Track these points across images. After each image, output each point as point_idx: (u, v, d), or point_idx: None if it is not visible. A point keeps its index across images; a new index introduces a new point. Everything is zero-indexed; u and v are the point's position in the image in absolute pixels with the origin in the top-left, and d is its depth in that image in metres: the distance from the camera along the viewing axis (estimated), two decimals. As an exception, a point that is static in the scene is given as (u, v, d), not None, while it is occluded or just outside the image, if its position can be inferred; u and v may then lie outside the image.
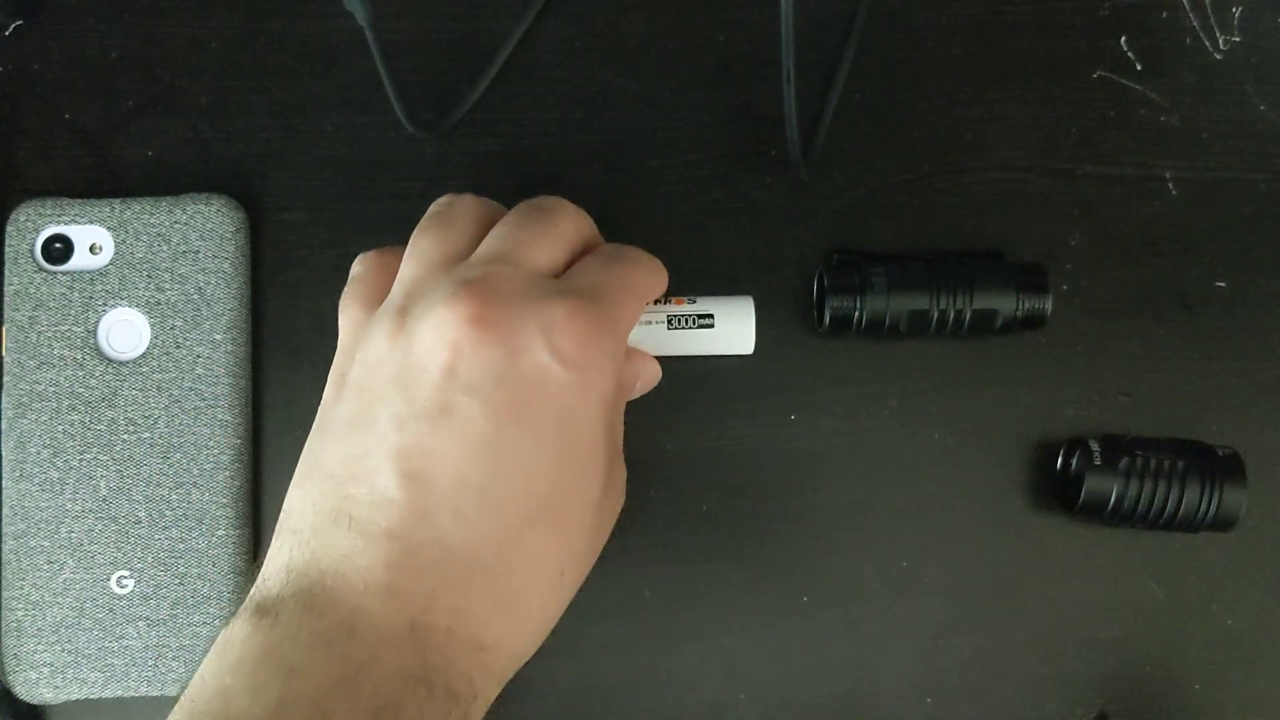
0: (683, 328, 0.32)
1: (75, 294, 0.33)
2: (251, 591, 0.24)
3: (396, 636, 0.22)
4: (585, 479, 0.26)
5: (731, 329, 0.32)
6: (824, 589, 0.34)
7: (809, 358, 0.35)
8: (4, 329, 0.33)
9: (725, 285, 0.35)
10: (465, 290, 0.24)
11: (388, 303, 0.26)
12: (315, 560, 0.23)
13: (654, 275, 0.29)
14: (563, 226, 0.28)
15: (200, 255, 0.33)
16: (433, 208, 0.29)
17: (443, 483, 0.23)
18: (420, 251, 0.27)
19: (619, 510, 0.29)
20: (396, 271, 0.28)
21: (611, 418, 0.27)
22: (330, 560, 0.23)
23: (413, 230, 0.36)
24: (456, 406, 0.24)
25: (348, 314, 0.28)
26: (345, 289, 0.29)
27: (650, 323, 0.32)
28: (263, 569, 0.24)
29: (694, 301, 0.33)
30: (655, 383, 0.31)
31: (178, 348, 0.33)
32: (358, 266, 0.29)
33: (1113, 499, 0.33)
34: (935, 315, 0.33)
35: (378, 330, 0.26)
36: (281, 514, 0.25)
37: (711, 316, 0.32)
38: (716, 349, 0.33)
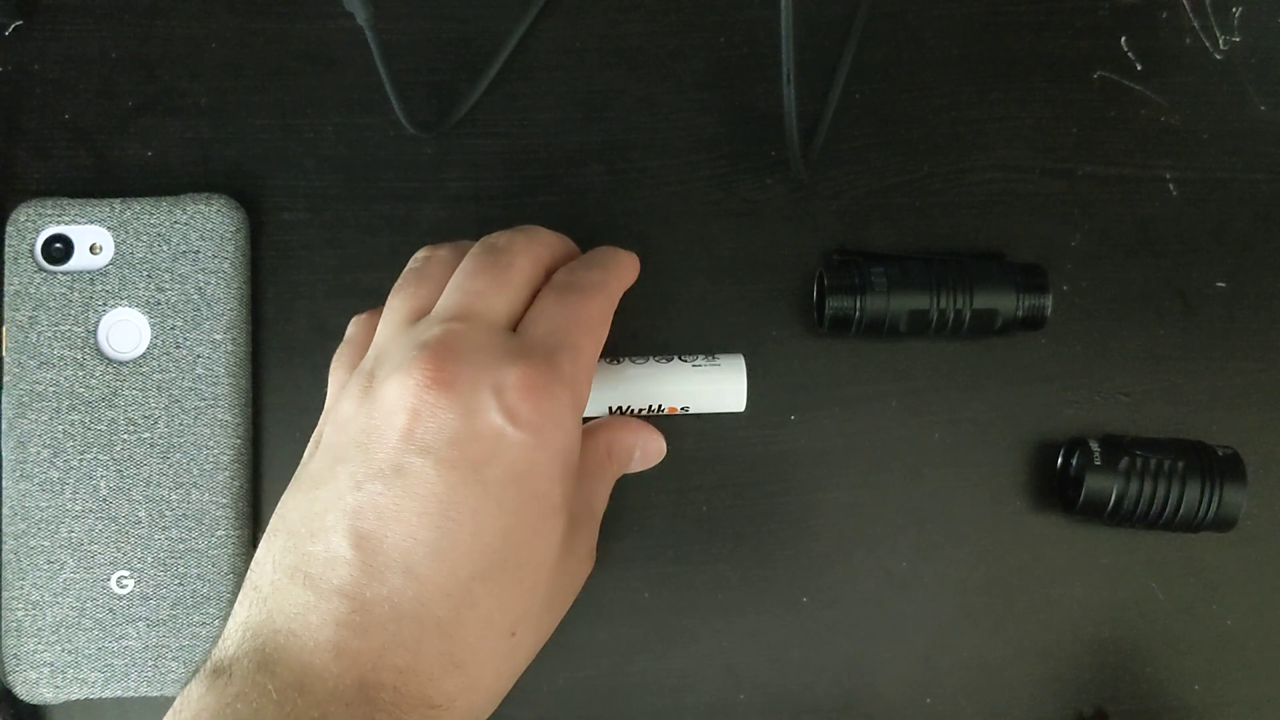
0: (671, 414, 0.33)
1: (75, 294, 0.33)
2: (211, 650, 0.24)
3: (345, 694, 0.22)
4: (541, 538, 0.26)
5: (722, 400, 0.33)
6: (824, 589, 0.34)
7: (809, 358, 0.35)
8: (4, 329, 0.33)
9: (725, 285, 0.35)
10: (422, 354, 0.25)
11: (361, 364, 0.27)
12: (270, 619, 0.24)
13: (609, 296, 0.29)
14: (519, 265, 0.28)
15: (200, 255, 0.33)
16: (410, 264, 0.30)
17: (394, 540, 0.24)
18: (392, 310, 0.28)
19: (584, 574, 0.29)
20: None
21: (573, 477, 0.27)
22: (284, 618, 0.23)
23: (412, 230, 0.36)
24: (410, 467, 0.24)
25: (334, 376, 0.29)
26: (337, 350, 0.30)
27: (642, 412, 0.33)
28: (225, 627, 0.25)
29: (685, 410, 0.33)
30: (658, 457, 0.32)
31: (178, 348, 0.33)
32: (351, 328, 0.31)
33: (1113, 499, 0.33)
34: (935, 315, 0.33)
35: (349, 392, 0.26)
36: (250, 568, 0.26)
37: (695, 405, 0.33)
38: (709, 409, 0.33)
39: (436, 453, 0.24)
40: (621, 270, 0.30)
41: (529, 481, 0.25)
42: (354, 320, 0.31)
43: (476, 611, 0.24)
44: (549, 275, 0.29)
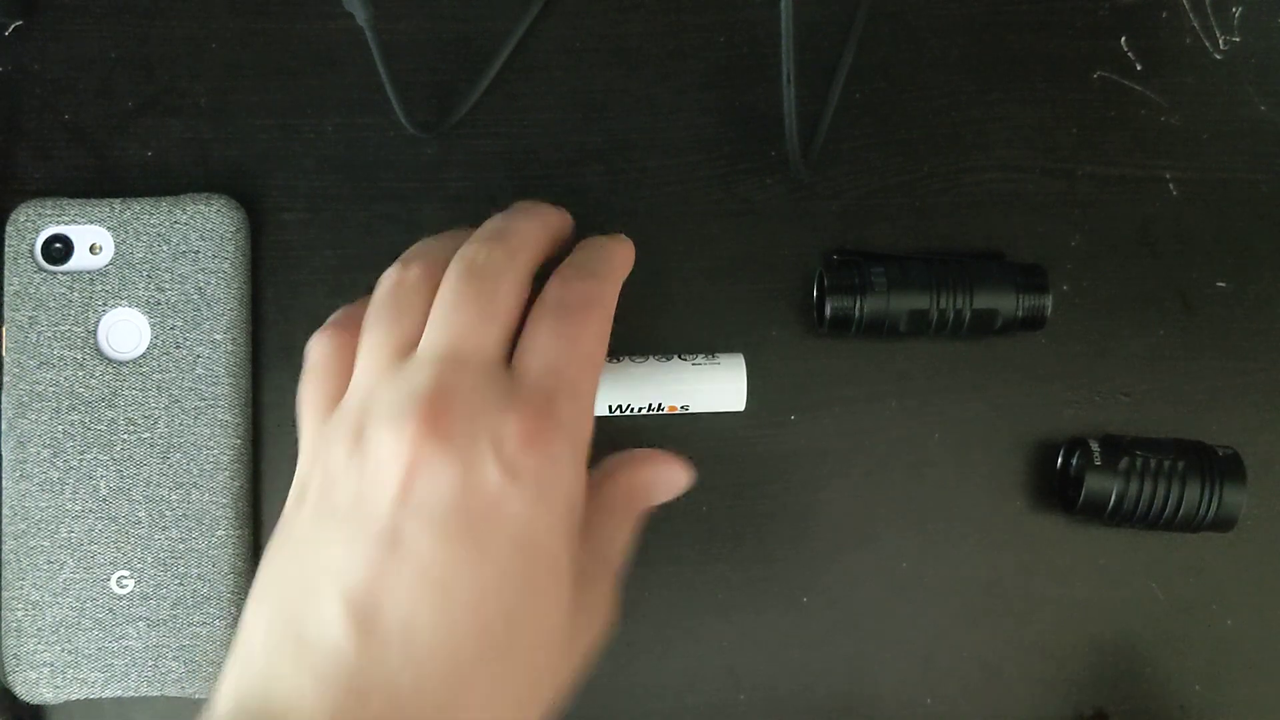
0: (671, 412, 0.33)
1: (75, 294, 0.33)
2: (203, 714, 0.23)
3: None
4: (547, 605, 0.24)
5: (721, 400, 0.33)
6: (824, 589, 0.34)
7: (809, 358, 0.35)
8: (4, 329, 0.33)
9: (725, 285, 0.35)
10: (415, 404, 0.24)
11: (344, 410, 0.26)
12: (262, 693, 0.22)
13: (605, 309, 0.27)
14: (505, 289, 0.26)
15: (200, 255, 0.33)
16: (379, 287, 0.28)
17: (391, 616, 0.22)
18: (372, 349, 0.26)
19: (600, 630, 0.27)
20: (354, 353, 0.27)
21: (577, 531, 0.25)
22: (277, 696, 0.22)
23: (412, 230, 0.36)
24: (407, 534, 0.23)
25: (306, 412, 0.27)
26: (303, 378, 0.28)
27: (638, 411, 0.33)
28: (218, 688, 0.23)
29: (685, 409, 0.33)
30: (680, 489, 0.29)
31: (178, 348, 0.33)
32: (314, 351, 0.28)
33: (1113, 499, 0.33)
34: (935, 315, 0.33)
35: (335, 443, 0.25)
36: (240, 626, 0.24)
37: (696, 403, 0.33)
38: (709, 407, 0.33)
39: (435, 519, 0.23)
40: (616, 270, 0.29)
41: (532, 545, 0.24)
42: (316, 339, 0.28)
43: (479, 693, 0.23)
44: (541, 269, 0.28)
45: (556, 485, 0.24)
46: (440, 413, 0.23)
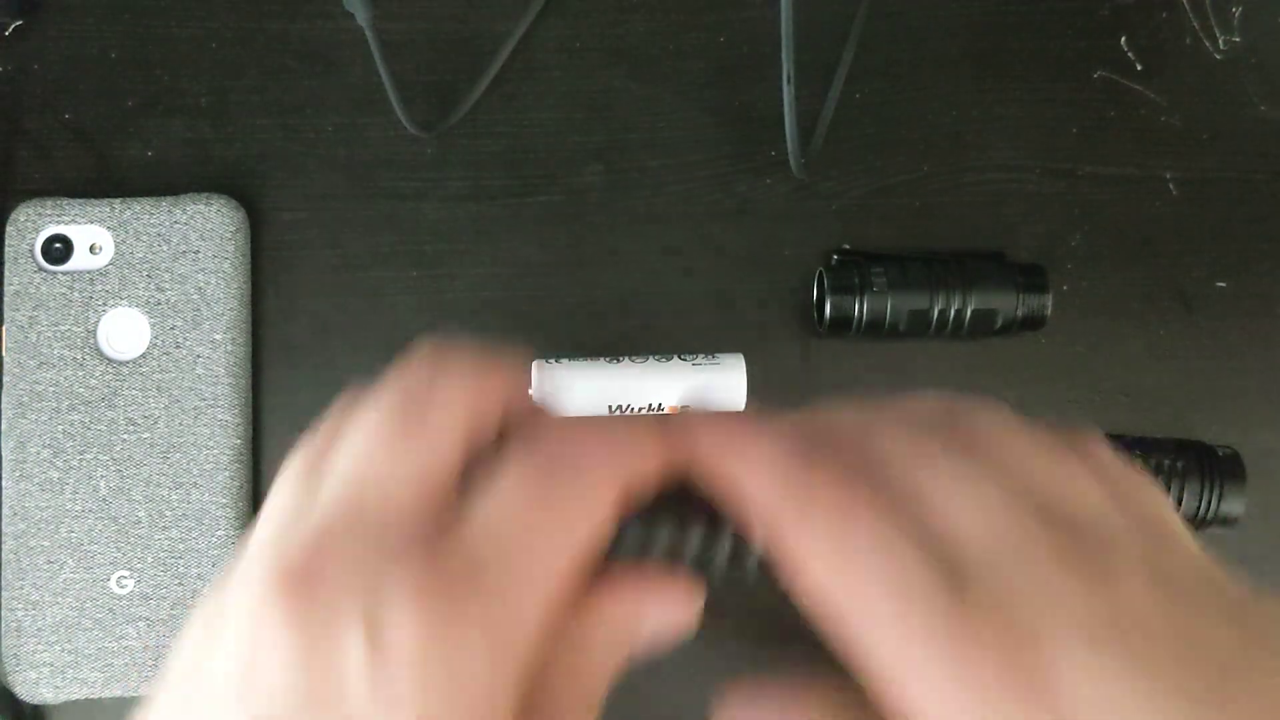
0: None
1: (75, 294, 0.33)
2: None
3: None
4: None
5: (721, 399, 0.33)
6: (824, 589, 0.34)
7: (809, 358, 0.35)
8: (4, 329, 0.33)
9: (726, 285, 0.35)
10: (274, 550, 0.17)
11: (260, 523, 0.20)
12: None
13: (604, 482, 0.18)
14: (448, 407, 0.19)
15: (200, 255, 0.33)
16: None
17: None
18: (289, 464, 0.21)
19: None
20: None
21: None
22: None
23: (412, 230, 0.36)
24: None
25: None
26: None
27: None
28: None
29: (685, 408, 0.33)
30: (683, 631, 0.20)
31: (178, 348, 0.33)
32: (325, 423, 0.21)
33: (1113, 499, 0.33)
34: (935, 315, 0.33)
35: (219, 586, 0.19)
36: None
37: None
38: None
39: (263, 715, 0.16)
40: (633, 451, 0.19)
41: None
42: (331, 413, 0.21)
43: None
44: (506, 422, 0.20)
45: (454, 684, 0.16)
46: (299, 565, 0.17)
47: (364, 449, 0.19)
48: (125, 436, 0.33)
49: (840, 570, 0.17)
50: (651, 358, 0.33)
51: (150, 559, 0.32)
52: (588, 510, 0.18)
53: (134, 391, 0.33)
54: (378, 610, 0.16)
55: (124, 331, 0.33)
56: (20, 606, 0.32)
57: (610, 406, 0.32)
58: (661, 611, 0.20)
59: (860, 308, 0.33)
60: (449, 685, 0.16)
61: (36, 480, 0.32)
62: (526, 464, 0.18)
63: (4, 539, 0.32)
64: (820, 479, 0.18)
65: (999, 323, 0.33)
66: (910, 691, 0.16)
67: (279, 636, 0.16)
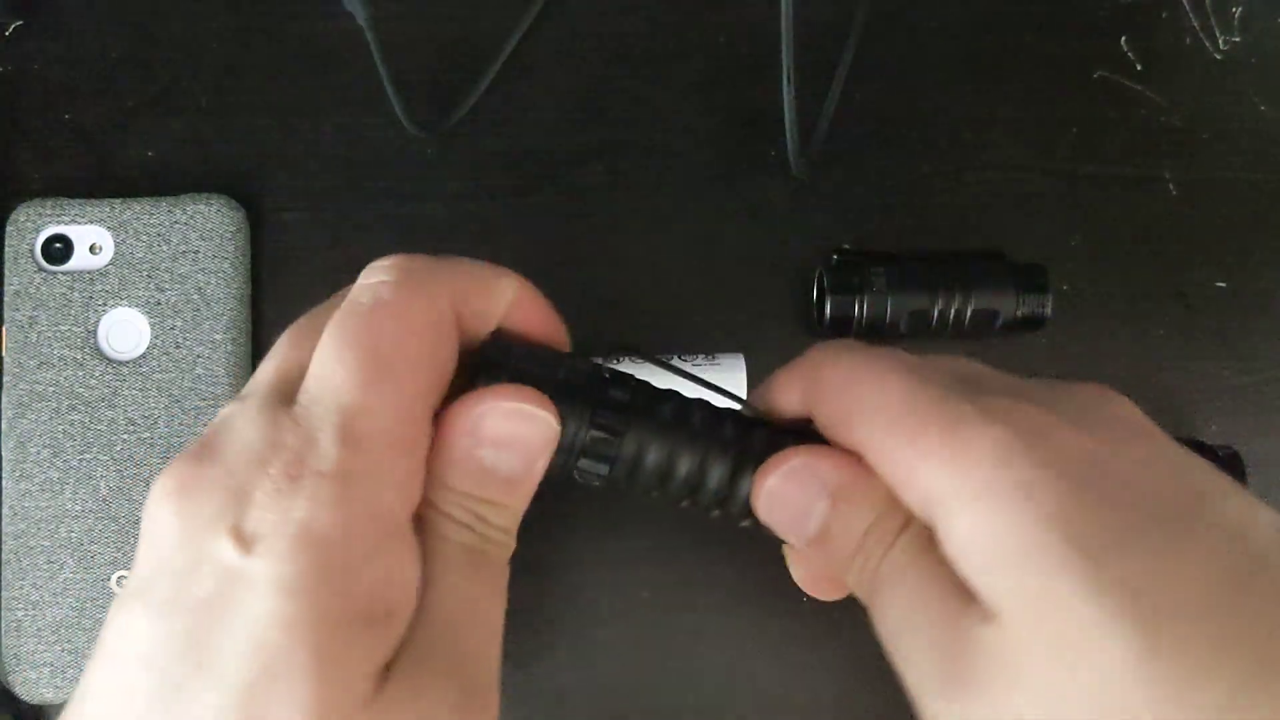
0: None
1: (75, 294, 0.33)
2: None
3: None
4: None
5: (721, 400, 0.33)
6: (824, 589, 0.34)
7: (809, 358, 0.35)
8: (4, 329, 0.33)
9: (726, 285, 0.35)
10: (173, 462, 0.19)
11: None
12: None
13: (400, 319, 0.19)
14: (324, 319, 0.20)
15: (200, 255, 0.33)
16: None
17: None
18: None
19: None
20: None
21: (376, 616, 0.17)
22: None
23: (412, 230, 0.36)
24: (117, 621, 0.18)
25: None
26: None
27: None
28: None
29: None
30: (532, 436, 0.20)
31: (178, 348, 0.33)
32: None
33: (1113, 499, 0.33)
34: (935, 315, 0.33)
35: None
36: None
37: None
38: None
39: (144, 595, 0.17)
40: (437, 277, 0.20)
41: (272, 659, 0.16)
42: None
43: None
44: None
45: (310, 549, 0.17)
46: (185, 466, 0.18)
47: (272, 354, 0.20)
48: (125, 436, 0.33)
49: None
50: (651, 359, 0.33)
51: (150, 559, 0.32)
52: (396, 354, 0.19)
53: (134, 391, 0.33)
54: (243, 501, 0.17)
55: (124, 331, 0.33)
56: (20, 606, 0.32)
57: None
58: (501, 418, 0.19)
59: (860, 308, 0.33)
60: (312, 555, 0.17)
61: (36, 480, 0.32)
62: (333, 332, 0.19)
63: (4, 539, 0.32)
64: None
65: (999, 323, 0.33)
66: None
67: (161, 531, 0.18)
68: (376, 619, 0.17)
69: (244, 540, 0.17)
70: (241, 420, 0.19)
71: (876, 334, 0.34)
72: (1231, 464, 0.33)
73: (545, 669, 0.33)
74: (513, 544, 0.21)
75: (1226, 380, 0.36)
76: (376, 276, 0.20)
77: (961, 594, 0.18)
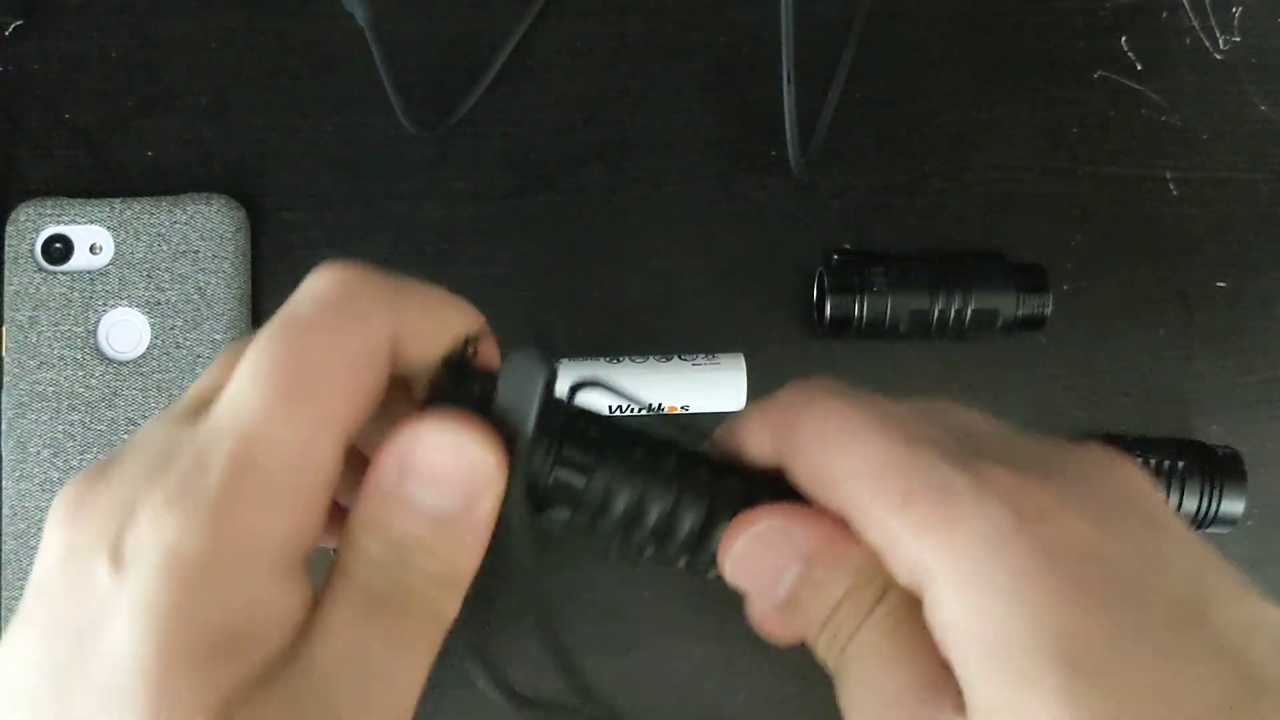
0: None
1: (75, 294, 0.33)
2: None
3: None
4: None
5: (721, 399, 0.33)
6: (824, 589, 0.34)
7: (809, 358, 0.35)
8: (4, 329, 0.33)
9: (725, 285, 0.35)
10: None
11: None
12: None
13: (294, 330, 0.18)
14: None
15: (200, 255, 0.33)
16: None
17: None
18: None
19: None
20: None
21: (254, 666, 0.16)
22: None
23: (412, 230, 0.35)
24: (10, 640, 0.18)
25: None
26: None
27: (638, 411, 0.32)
28: None
29: (685, 409, 0.33)
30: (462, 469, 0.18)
31: (178, 348, 0.33)
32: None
33: (1113, 499, 0.33)
34: (935, 315, 0.33)
35: None
36: None
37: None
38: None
39: (28, 617, 0.17)
40: (335, 298, 0.18)
41: (115, 683, 0.16)
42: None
43: None
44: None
45: (172, 573, 0.16)
46: (81, 483, 0.18)
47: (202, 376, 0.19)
48: (125, 437, 0.33)
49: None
50: (651, 358, 0.33)
51: (150, 559, 0.32)
52: (314, 385, 0.17)
53: (134, 391, 0.33)
54: (129, 519, 0.16)
55: (124, 331, 0.33)
56: (20, 606, 0.32)
57: (610, 407, 0.32)
58: (427, 449, 0.18)
59: (860, 308, 0.33)
60: (169, 573, 0.16)
61: (36, 480, 0.32)
62: (255, 348, 0.17)
63: (4, 539, 0.32)
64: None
65: (999, 323, 0.33)
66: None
67: (48, 555, 0.18)
68: (224, 650, 0.16)
69: (119, 562, 0.16)
70: (147, 437, 0.18)
71: (876, 334, 0.34)
72: (1231, 464, 0.33)
73: (545, 669, 0.33)
74: (450, 604, 0.18)
75: (1226, 380, 0.36)
76: (317, 286, 0.19)
77: (935, 682, 0.17)
